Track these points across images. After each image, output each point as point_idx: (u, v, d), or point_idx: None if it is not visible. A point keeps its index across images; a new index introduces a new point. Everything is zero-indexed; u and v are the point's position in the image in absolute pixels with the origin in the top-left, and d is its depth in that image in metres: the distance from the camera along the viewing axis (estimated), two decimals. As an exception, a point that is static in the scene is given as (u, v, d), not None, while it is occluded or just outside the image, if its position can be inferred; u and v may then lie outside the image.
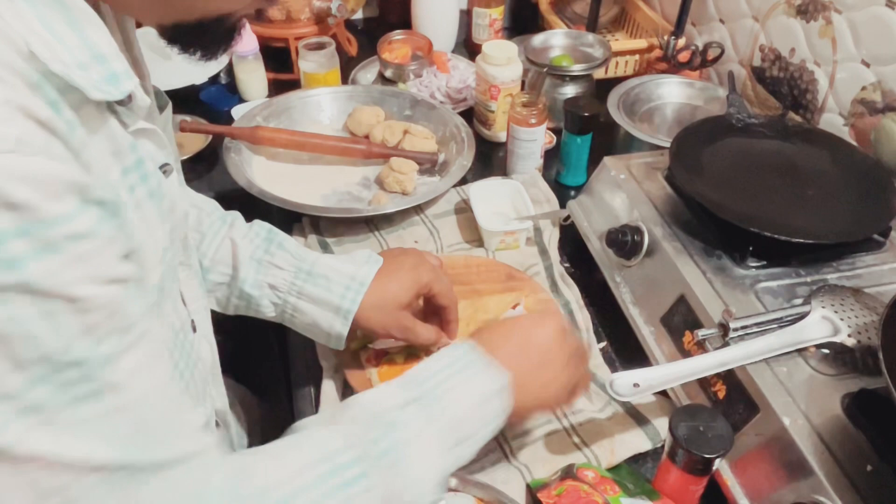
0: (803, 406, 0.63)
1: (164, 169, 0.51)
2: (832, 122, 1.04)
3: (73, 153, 0.38)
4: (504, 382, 0.58)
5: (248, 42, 1.23)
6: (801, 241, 0.74)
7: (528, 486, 0.69)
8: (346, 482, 0.49)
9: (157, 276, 0.49)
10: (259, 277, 0.73)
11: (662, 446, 0.69)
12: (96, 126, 0.43)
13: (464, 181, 1.05)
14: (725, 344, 0.69)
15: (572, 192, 1.06)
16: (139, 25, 0.55)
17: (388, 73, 1.29)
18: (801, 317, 0.69)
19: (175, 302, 0.56)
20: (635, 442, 0.72)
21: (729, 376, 0.68)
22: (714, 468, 0.62)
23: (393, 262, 0.75)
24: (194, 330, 0.61)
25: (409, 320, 0.75)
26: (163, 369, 0.46)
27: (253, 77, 1.26)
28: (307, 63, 1.22)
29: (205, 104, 1.26)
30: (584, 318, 0.86)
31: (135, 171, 0.46)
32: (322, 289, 0.72)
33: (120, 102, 0.44)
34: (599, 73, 1.24)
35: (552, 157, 1.11)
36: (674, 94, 1.19)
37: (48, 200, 0.36)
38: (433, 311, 0.78)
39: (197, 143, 1.15)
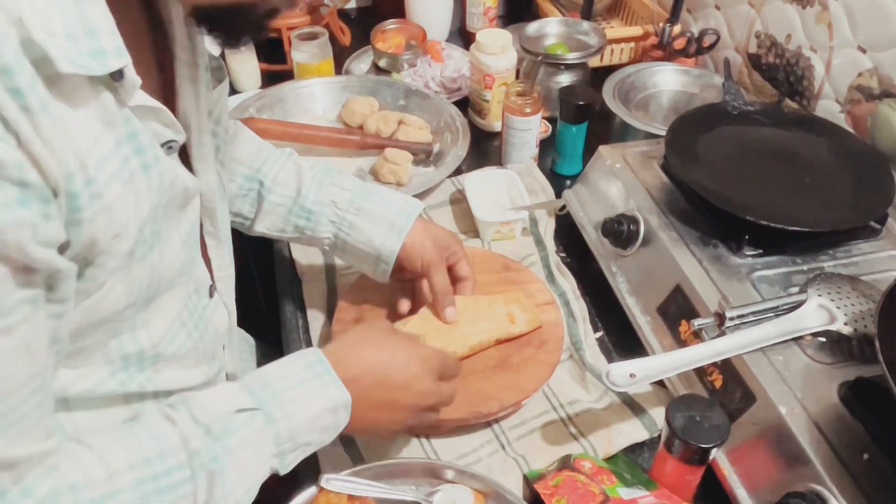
0: (800, 395, 0.63)
1: (170, 145, 0.53)
2: (828, 108, 1.04)
3: (17, 132, 0.39)
4: (346, 400, 0.59)
5: (240, 32, 1.22)
6: (798, 229, 0.74)
7: (525, 476, 0.69)
8: (169, 486, 0.51)
9: (125, 245, 0.49)
10: (321, 194, 0.78)
11: (659, 436, 0.69)
12: (87, 98, 0.44)
13: (459, 171, 1.05)
14: (722, 333, 0.69)
15: (568, 182, 1.06)
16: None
17: (382, 63, 1.28)
18: (798, 305, 0.69)
19: (195, 266, 0.61)
20: (632, 432, 0.72)
21: (725, 366, 0.68)
22: (711, 458, 0.62)
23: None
24: (211, 295, 0.65)
25: (443, 256, 0.78)
26: (30, 364, 0.45)
27: (245, 68, 1.25)
28: (300, 53, 1.21)
29: (197, 96, 1.25)
30: (580, 307, 0.86)
31: (127, 143, 0.47)
32: (380, 206, 0.78)
33: (112, 77, 0.45)
34: (594, 62, 1.24)
35: (547, 147, 1.11)
36: (669, 81, 1.18)
37: None
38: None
39: (190, 135, 1.14)
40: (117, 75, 0.45)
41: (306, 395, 0.57)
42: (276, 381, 0.58)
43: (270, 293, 0.94)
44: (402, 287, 0.82)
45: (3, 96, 0.38)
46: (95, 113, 0.45)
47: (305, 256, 0.92)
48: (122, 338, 0.56)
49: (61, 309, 0.46)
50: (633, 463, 0.71)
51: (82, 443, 0.51)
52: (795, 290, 0.73)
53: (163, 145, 0.52)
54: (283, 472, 0.58)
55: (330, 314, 0.85)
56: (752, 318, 0.69)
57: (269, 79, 1.26)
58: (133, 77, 0.46)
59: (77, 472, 0.49)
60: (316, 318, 0.85)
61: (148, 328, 0.57)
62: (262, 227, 0.80)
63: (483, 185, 0.99)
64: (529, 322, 0.79)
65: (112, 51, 0.44)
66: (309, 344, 0.83)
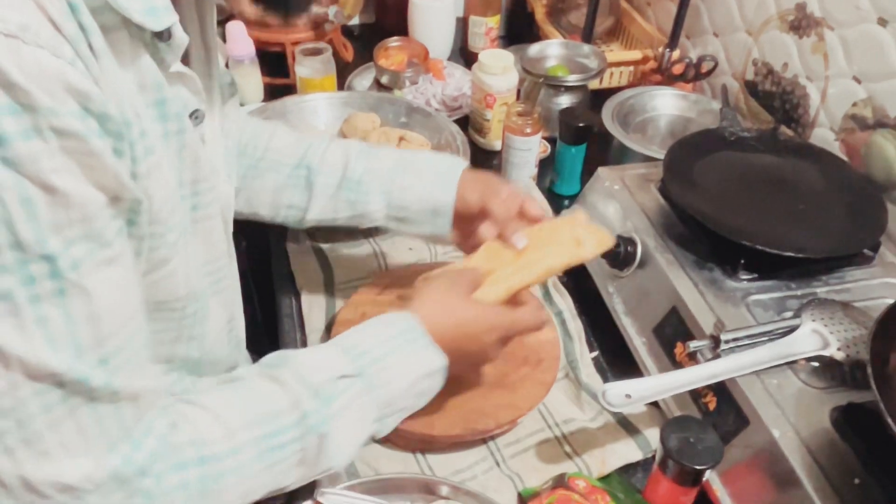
0: (792, 419, 0.64)
1: (196, 115, 0.53)
2: (823, 136, 1.05)
3: (88, 68, 0.40)
4: (443, 364, 0.61)
5: (244, 46, 1.23)
6: (792, 254, 0.75)
7: (519, 494, 0.69)
8: (281, 444, 0.53)
9: (177, 217, 0.50)
10: (368, 164, 0.79)
11: (653, 456, 0.69)
12: (127, 57, 0.45)
13: (458, 189, 1.06)
14: (716, 356, 0.69)
15: (566, 202, 1.07)
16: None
17: (384, 80, 1.29)
18: (792, 330, 0.70)
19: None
20: (626, 452, 0.73)
21: (719, 388, 0.69)
22: (704, 479, 0.62)
23: None
24: None
25: (500, 195, 0.76)
26: (135, 299, 0.46)
27: (249, 81, 1.26)
28: (303, 68, 1.22)
29: (200, 107, 1.26)
30: (576, 327, 0.86)
31: (154, 108, 0.48)
32: (425, 164, 0.79)
33: (160, 37, 0.46)
34: (594, 84, 1.25)
35: (546, 167, 1.12)
36: (667, 106, 1.20)
37: (43, 92, 0.37)
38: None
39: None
40: (166, 34, 0.46)
41: (404, 362, 0.59)
42: (374, 348, 0.59)
43: (268, 307, 0.95)
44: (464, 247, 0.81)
45: (77, 34, 0.39)
46: (132, 75, 0.46)
47: (304, 269, 0.93)
48: (179, 345, 0.57)
49: (138, 246, 0.47)
50: (626, 483, 0.71)
51: (191, 403, 0.52)
52: (789, 314, 0.74)
53: (190, 116, 0.53)
54: (380, 435, 0.60)
55: (328, 328, 0.85)
56: (746, 342, 0.70)
57: (273, 92, 1.28)
58: (181, 35, 0.47)
59: (193, 429, 0.50)
60: (314, 332, 0.85)
61: (200, 340, 0.59)
62: (316, 213, 0.80)
63: (482, 204, 0.99)
64: (598, 243, 0.74)
65: (163, 9, 0.45)
66: None
